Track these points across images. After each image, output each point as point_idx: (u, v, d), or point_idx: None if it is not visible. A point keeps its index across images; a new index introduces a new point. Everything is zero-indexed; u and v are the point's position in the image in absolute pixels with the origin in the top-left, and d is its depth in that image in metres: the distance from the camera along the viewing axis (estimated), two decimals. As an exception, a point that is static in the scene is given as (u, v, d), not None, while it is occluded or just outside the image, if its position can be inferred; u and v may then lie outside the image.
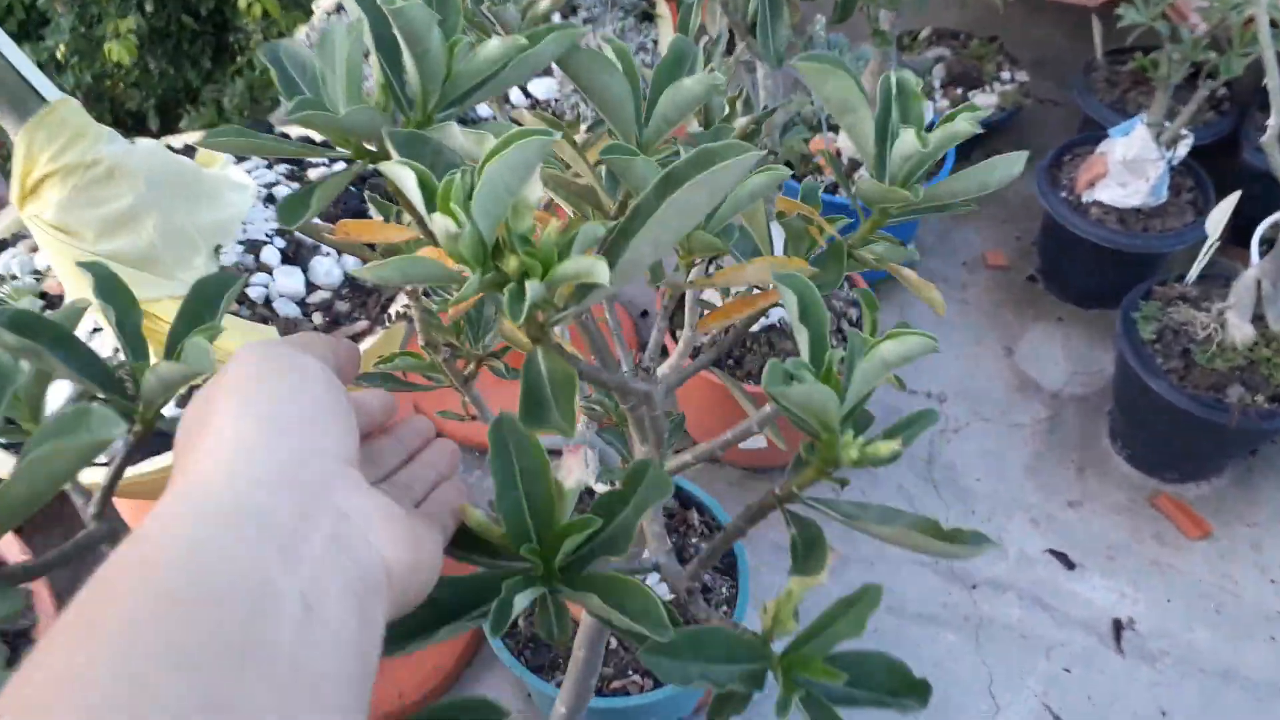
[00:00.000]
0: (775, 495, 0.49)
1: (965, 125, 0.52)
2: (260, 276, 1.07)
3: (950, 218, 2.04)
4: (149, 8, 2.00)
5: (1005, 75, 2.23)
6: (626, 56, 0.54)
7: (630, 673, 1.21)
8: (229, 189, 1.12)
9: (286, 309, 1.04)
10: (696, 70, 0.59)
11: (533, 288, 0.38)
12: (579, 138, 0.69)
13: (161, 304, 0.98)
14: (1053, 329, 1.92)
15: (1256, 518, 1.62)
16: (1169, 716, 1.39)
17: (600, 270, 0.37)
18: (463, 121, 0.46)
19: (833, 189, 1.88)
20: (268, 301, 1.05)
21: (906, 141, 0.51)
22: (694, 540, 1.32)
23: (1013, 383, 1.82)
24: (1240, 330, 1.50)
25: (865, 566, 1.54)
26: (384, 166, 0.39)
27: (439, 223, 0.37)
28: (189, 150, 1.22)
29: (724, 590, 1.27)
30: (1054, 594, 1.52)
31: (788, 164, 1.85)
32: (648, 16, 1.47)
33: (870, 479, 1.65)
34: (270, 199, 1.17)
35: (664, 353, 1.25)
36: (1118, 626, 1.48)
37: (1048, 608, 1.50)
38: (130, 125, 2.19)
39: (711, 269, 0.90)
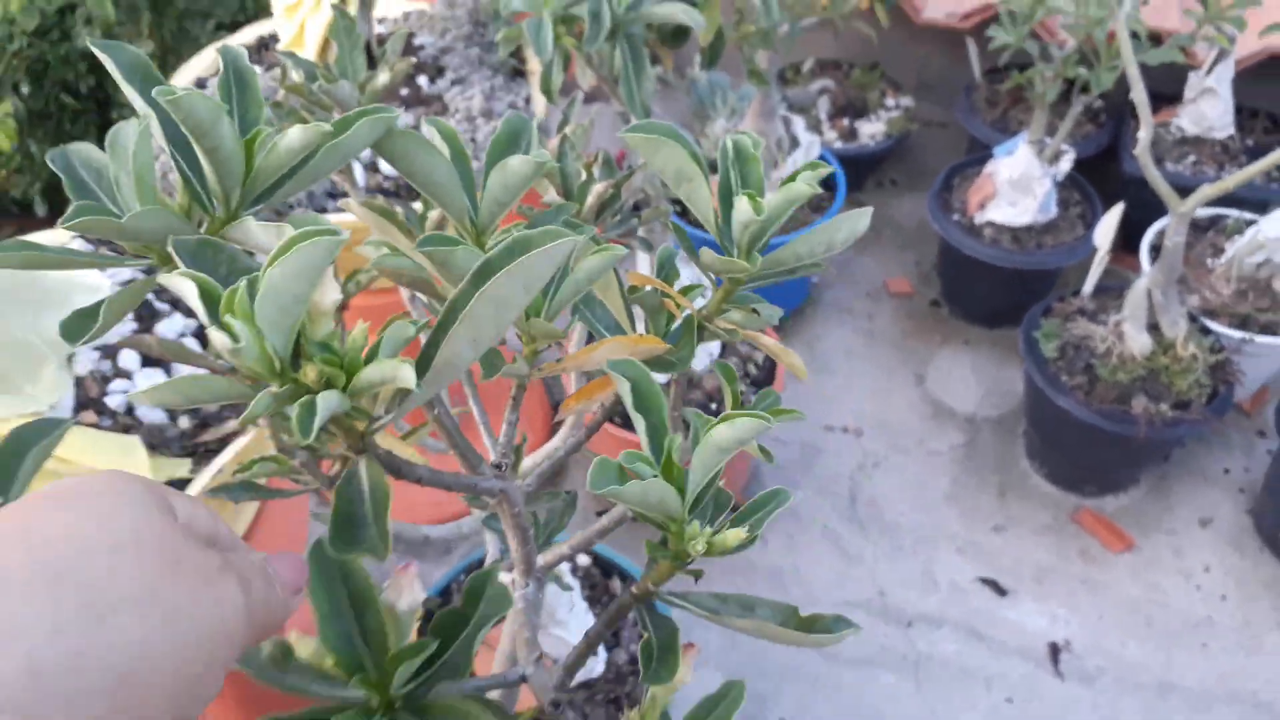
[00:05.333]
0: (633, 594, 0.45)
1: (804, 187, 0.49)
2: (119, 383, 1.00)
3: (848, 248, 2.04)
4: (25, 89, 1.90)
5: (890, 102, 2.26)
6: (453, 137, 0.50)
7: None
8: (78, 292, 1.05)
9: (150, 415, 0.97)
10: (533, 146, 0.55)
11: (326, 401, 0.34)
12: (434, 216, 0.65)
13: (9, 423, 0.90)
14: (961, 352, 1.92)
15: (1174, 524, 1.63)
16: (1112, 738, 1.37)
17: (406, 374, 0.34)
18: (280, 213, 0.42)
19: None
20: (129, 410, 0.97)
21: (742, 209, 0.48)
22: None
23: (927, 411, 1.81)
24: (1137, 341, 1.51)
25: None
26: (165, 279, 0.35)
27: (215, 338, 0.32)
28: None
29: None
30: (989, 623, 1.49)
31: (678, 209, 1.82)
32: (519, 73, 1.43)
33: (796, 524, 1.62)
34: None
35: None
36: (1054, 650, 1.46)
37: (984, 638, 1.48)
38: (17, 213, 2.09)
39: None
